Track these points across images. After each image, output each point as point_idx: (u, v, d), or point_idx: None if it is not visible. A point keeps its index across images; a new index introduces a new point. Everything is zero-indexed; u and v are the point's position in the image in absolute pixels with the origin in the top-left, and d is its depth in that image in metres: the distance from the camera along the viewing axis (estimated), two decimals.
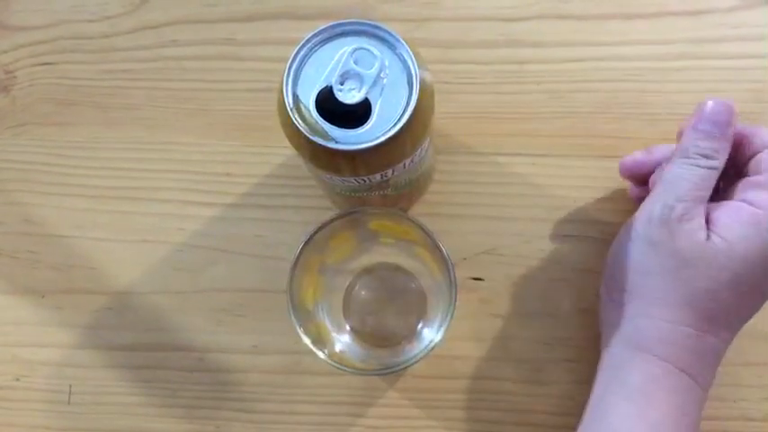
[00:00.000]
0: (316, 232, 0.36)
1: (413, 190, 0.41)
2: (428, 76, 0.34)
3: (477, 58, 0.46)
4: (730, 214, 0.35)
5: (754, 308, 0.37)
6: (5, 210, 0.46)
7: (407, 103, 0.32)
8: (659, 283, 0.36)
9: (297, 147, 0.34)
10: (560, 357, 0.43)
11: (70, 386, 0.44)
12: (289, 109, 0.32)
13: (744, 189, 0.36)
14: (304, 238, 0.36)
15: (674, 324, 0.36)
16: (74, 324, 0.45)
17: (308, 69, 0.33)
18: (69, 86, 0.48)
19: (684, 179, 0.36)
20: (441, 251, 0.36)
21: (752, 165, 0.37)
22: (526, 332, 0.43)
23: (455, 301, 0.36)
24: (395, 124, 0.32)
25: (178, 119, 0.47)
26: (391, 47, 0.33)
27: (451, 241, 0.40)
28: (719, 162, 0.36)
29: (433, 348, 0.36)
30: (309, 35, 0.33)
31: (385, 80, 0.32)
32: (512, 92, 0.46)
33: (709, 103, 0.37)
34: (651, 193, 0.37)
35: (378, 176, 0.35)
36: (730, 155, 0.37)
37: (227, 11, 0.48)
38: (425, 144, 0.36)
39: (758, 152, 0.37)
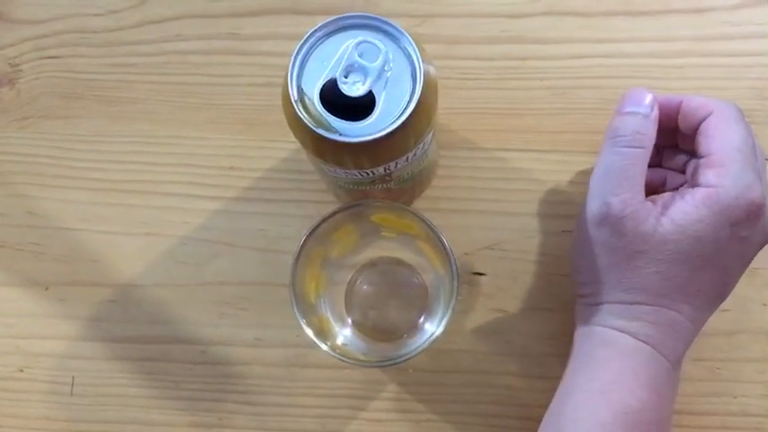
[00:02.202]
0: (318, 225, 0.37)
1: (415, 184, 0.42)
2: (432, 70, 0.34)
3: (481, 54, 0.46)
4: (687, 200, 0.35)
5: (715, 283, 0.36)
6: (10, 202, 0.47)
7: (411, 96, 0.32)
8: (611, 275, 0.36)
9: (301, 139, 0.35)
10: (562, 352, 0.42)
11: (73, 378, 0.44)
12: (293, 102, 0.33)
13: (696, 172, 0.36)
14: (307, 232, 0.37)
15: (628, 304, 0.36)
16: (77, 316, 0.45)
17: (312, 62, 0.33)
18: (74, 80, 0.48)
19: (615, 169, 0.36)
20: (443, 245, 0.36)
21: (700, 143, 0.37)
22: (528, 327, 0.43)
23: (457, 294, 0.36)
24: (398, 117, 0.32)
25: (182, 113, 0.47)
26: (395, 40, 0.33)
27: (454, 236, 0.40)
28: (647, 141, 0.36)
29: (434, 341, 0.36)
30: (314, 28, 0.33)
31: (389, 73, 0.33)
32: (515, 88, 0.46)
33: (631, 89, 0.38)
34: (590, 183, 0.37)
35: (381, 169, 0.35)
36: (671, 129, 0.38)
37: (231, 6, 0.48)
38: (428, 138, 0.36)
39: (695, 123, 0.37)
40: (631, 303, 0.36)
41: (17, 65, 0.49)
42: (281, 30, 0.48)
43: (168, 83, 0.48)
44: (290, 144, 0.46)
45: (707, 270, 0.36)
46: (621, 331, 0.36)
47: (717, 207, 0.34)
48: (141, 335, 0.44)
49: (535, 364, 0.43)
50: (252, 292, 0.44)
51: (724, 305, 0.42)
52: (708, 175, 0.35)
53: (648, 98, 0.37)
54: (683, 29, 0.46)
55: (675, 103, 0.38)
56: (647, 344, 0.35)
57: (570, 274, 0.40)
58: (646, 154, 0.36)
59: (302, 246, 0.37)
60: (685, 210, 0.35)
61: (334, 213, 0.37)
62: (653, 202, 0.36)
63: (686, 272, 0.35)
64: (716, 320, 0.42)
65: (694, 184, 0.36)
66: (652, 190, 0.40)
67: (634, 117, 0.37)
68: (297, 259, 0.37)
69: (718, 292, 0.37)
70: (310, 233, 0.37)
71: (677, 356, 0.36)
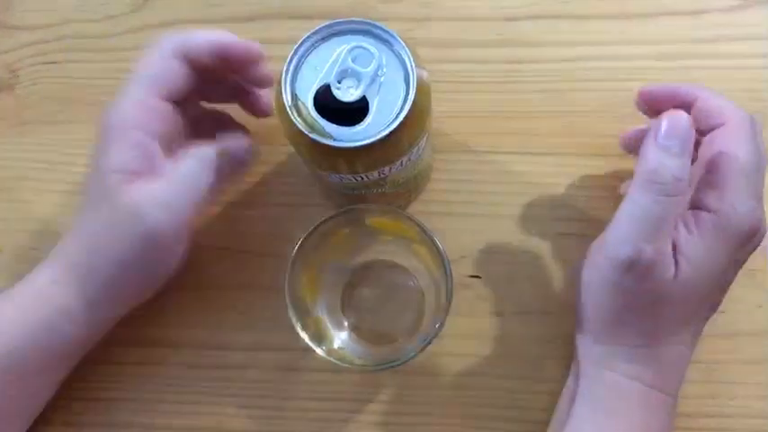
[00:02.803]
0: (314, 230, 0.37)
1: (410, 188, 0.42)
2: (425, 75, 0.34)
3: (476, 57, 0.46)
4: (692, 231, 0.34)
5: (715, 304, 0.37)
6: (9, 207, 0.47)
7: (404, 101, 0.33)
8: (627, 318, 0.36)
9: (295, 144, 0.35)
10: (558, 354, 0.43)
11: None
12: (287, 107, 0.33)
13: (697, 190, 0.35)
14: (303, 236, 0.37)
15: (641, 347, 0.36)
16: None
17: (306, 68, 0.33)
18: (72, 85, 0.48)
19: (653, 217, 0.33)
20: (437, 248, 0.36)
21: (704, 152, 0.36)
22: (524, 329, 0.43)
23: (451, 297, 0.36)
24: (392, 122, 0.32)
25: None
26: (388, 45, 0.33)
27: (449, 239, 0.40)
28: (686, 186, 0.33)
29: (429, 344, 0.36)
30: (308, 34, 0.33)
31: (382, 78, 0.33)
32: (510, 91, 0.46)
33: (672, 116, 0.34)
34: (616, 224, 0.35)
35: (375, 174, 0.35)
36: None
37: (228, 11, 0.49)
38: (422, 142, 0.36)
39: (705, 128, 0.36)
40: (644, 346, 0.36)
41: (15, 70, 0.49)
42: (277, 34, 0.48)
43: None
44: (286, 148, 0.46)
45: (711, 297, 0.36)
46: (632, 378, 0.36)
47: (721, 234, 0.34)
48: (139, 339, 0.44)
49: (531, 367, 0.43)
50: (250, 296, 0.44)
51: (721, 307, 0.42)
52: (709, 198, 0.34)
53: (686, 122, 0.33)
54: (678, 31, 0.46)
55: (691, 98, 0.37)
56: (655, 388, 0.36)
57: (577, 311, 0.39)
58: (684, 200, 0.34)
59: (298, 250, 0.37)
60: (695, 243, 0.34)
61: (330, 218, 0.37)
62: None
63: (696, 305, 0.36)
64: (713, 323, 0.42)
65: (694, 202, 0.35)
66: None
67: (674, 159, 0.33)
68: (293, 264, 0.37)
69: (715, 310, 0.37)
70: (306, 238, 0.37)
71: (678, 386, 0.37)
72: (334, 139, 0.32)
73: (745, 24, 0.46)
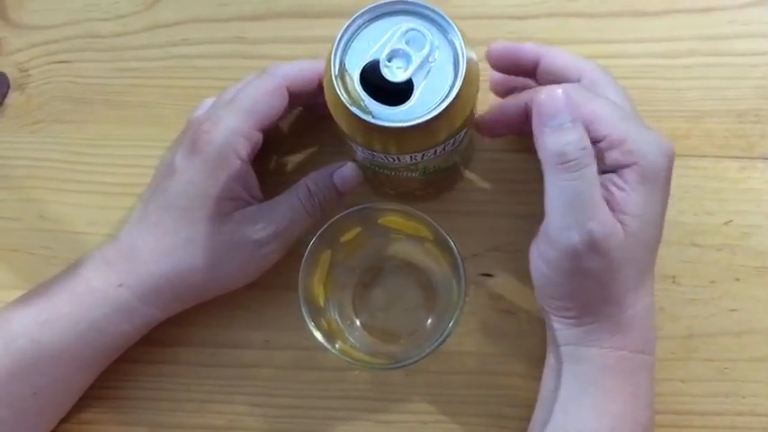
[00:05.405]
0: (326, 228, 0.37)
1: (441, 178, 0.42)
2: (475, 66, 0.34)
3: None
4: (623, 187, 0.34)
5: (658, 245, 0.37)
6: (21, 206, 0.47)
7: (449, 90, 0.33)
8: (600, 294, 0.35)
9: (334, 115, 0.35)
10: None
11: None
12: (333, 77, 0.33)
13: (603, 157, 0.35)
14: (315, 235, 0.37)
15: (619, 316, 0.36)
16: None
17: (358, 42, 0.34)
18: (83, 84, 0.49)
19: (581, 194, 0.33)
20: (450, 247, 0.36)
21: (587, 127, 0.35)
22: (535, 328, 0.43)
23: (464, 296, 0.36)
24: (433, 109, 0.32)
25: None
26: (443, 31, 0.33)
27: (461, 237, 0.40)
28: (591, 150, 0.34)
29: (442, 343, 0.36)
30: (363, 10, 0.34)
31: (432, 64, 0.33)
32: None
33: (548, 96, 0.34)
34: (552, 216, 0.34)
35: (407, 158, 0.35)
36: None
37: (237, 10, 0.49)
38: (461, 135, 0.36)
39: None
40: (617, 314, 0.36)
41: (26, 70, 0.49)
42: (287, 33, 0.48)
43: (175, 87, 0.48)
44: (298, 146, 0.46)
45: (657, 237, 0.36)
46: (618, 349, 0.36)
47: (650, 180, 0.34)
48: (152, 337, 0.44)
49: (542, 366, 0.43)
50: (261, 294, 0.44)
51: (733, 305, 0.42)
52: (617, 153, 0.34)
53: (561, 96, 0.34)
54: (688, 28, 0.46)
55: (535, 58, 0.37)
56: (638, 352, 0.36)
57: (540, 298, 0.38)
58: (595, 164, 0.34)
59: (310, 249, 0.37)
60: (633, 199, 0.34)
61: (342, 216, 0.37)
62: None
63: (649, 252, 0.36)
64: (725, 320, 0.42)
65: (609, 166, 0.35)
66: None
67: (572, 133, 0.33)
68: (305, 262, 0.37)
69: (658, 245, 0.37)
70: (318, 236, 0.37)
71: (654, 342, 0.37)
72: (373, 117, 0.33)
73: (757, 21, 0.46)
